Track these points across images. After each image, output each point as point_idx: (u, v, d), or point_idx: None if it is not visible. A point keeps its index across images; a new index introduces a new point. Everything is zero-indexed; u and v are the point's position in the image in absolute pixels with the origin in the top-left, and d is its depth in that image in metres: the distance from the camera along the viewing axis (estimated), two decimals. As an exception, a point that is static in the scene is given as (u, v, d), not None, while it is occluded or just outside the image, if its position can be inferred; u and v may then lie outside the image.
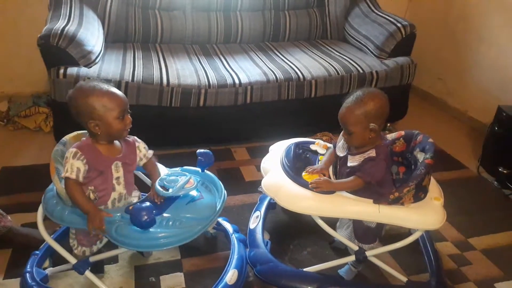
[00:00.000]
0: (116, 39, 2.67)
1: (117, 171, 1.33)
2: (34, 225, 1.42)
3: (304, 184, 1.40)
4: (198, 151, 1.53)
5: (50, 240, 1.38)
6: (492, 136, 2.41)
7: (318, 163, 1.55)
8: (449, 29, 3.17)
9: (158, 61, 2.44)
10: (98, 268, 1.54)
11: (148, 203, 1.23)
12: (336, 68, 2.56)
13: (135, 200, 1.43)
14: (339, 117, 1.42)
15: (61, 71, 2.10)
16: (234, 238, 1.60)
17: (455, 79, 3.18)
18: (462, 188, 2.28)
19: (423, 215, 1.34)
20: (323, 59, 2.68)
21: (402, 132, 1.56)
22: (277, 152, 1.61)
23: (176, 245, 1.27)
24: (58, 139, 2.22)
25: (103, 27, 2.59)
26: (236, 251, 1.52)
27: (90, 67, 2.21)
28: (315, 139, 1.74)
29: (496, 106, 2.41)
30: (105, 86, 1.29)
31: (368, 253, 1.45)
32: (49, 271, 1.49)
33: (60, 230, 1.55)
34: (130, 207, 1.24)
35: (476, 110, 3.00)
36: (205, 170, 1.55)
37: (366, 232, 1.48)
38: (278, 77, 2.42)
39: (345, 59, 2.69)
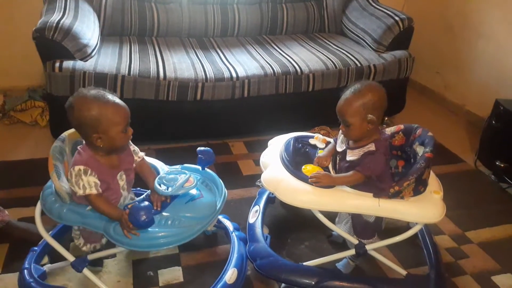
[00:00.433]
0: (112, 32, 2.64)
1: (122, 179, 1.34)
2: (31, 219, 1.41)
3: (303, 178, 1.40)
4: (198, 149, 1.52)
5: (48, 238, 1.37)
6: (489, 130, 2.41)
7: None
8: (447, 23, 3.16)
9: (155, 55, 2.42)
10: (96, 262, 1.53)
11: (146, 203, 1.22)
12: (334, 61, 2.55)
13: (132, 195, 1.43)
14: (337, 109, 1.42)
15: (57, 64, 2.08)
16: (234, 236, 1.59)
17: (453, 73, 3.18)
18: (459, 182, 2.29)
19: (423, 209, 1.34)
20: (321, 52, 2.67)
21: (401, 126, 1.56)
22: (276, 146, 1.60)
23: (175, 245, 1.26)
24: (54, 133, 2.26)
25: (99, 20, 2.56)
26: (236, 249, 1.51)
27: (86, 60, 2.19)
28: (313, 133, 1.74)
29: (493, 100, 2.41)
30: (110, 97, 1.24)
31: (368, 247, 1.45)
32: (47, 267, 1.48)
33: (59, 226, 1.54)
34: (129, 206, 1.23)
35: (474, 104, 3.00)
36: (206, 168, 1.54)
37: (365, 227, 1.48)
38: (275, 71, 2.41)
39: (342, 52, 2.68)
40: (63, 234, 1.54)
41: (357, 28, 2.92)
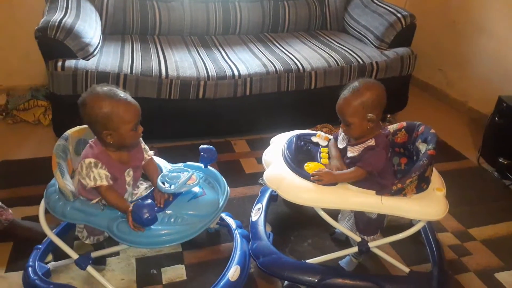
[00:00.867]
0: (114, 31, 2.64)
1: (129, 176, 1.36)
2: (34, 218, 1.41)
3: (306, 176, 1.40)
4: (201, 147, 1.52)
5: (52, 235, 1.38)
6: (492, 126, 2.41)
7: (319, 155, 1.54)
8: (450, 19, 3.15)
9: (157, 53, 2.42)
10: (99, 261, 1.54)
11: (150, 200, 1.23)
12: (336, 59, 2.54)
13: (142, 188, 1.44)
14: (337, 109, 1.41)
15: (59, 63, 2.08)
16: (237, 233, 1.59)
17: (455, 70, 3.17)
18: (462, 179, 2.28)
19: (426, 206, 1.34)
20: (323, 50, 2.67)
21: (404, 123, 1.56)
22: (278, 144, 1.60)
23: (178, 243, 1.26)
24: (57, 132, 2.26)
25: (101, 19, 2.56)
26: (239, 247, 1.52)
27: (89, 59, 2.19)
28: (315, 131, 1.74)
29: (496, 97, 2.40)
30: (122, 95, 1.26)
31: (370, 244, 1.45)
32: (51, 265, 1.49)
33: (62, 224, 1.55)
34: (132, 204, 1.24)
35: (476, 100, 3.00)
36: (208, 166, 1.54)
37: (367, 224, 1.48)
38: (277, 69, 2.41)
39: (345, 50, 2.68)
40: (67, 232, 1.55)
41: (359, 25, 2.92)
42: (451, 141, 2.63)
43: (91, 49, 2.22)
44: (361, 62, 2.57)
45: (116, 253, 1.61)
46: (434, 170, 1.44)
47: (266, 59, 2.50)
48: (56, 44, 2.08)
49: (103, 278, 1.39)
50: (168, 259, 1.63)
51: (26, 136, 2.46)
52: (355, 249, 1.48)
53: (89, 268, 1.37)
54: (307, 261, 1.51)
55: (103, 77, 2.13)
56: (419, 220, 1.40)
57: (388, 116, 2.84)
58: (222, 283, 1.36)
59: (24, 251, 1.55)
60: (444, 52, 3.25)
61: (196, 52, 2.53)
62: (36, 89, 2.73)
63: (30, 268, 1.42)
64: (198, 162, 1.55)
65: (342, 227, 1.50)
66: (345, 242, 1.70)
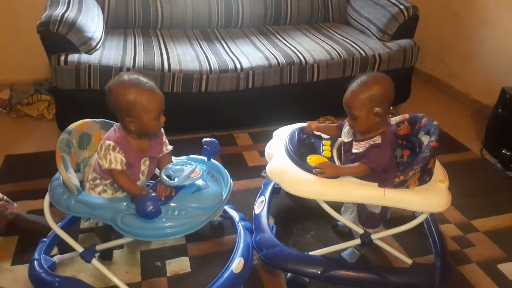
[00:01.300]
0: (116, 25, 2.64)
1: (144, 165, 1.38)
2: (39, 211, 1.43)
3: (308, 169, 1.40)
4: (204, 140, 1.53)
5: (57, 229, 1.39)
6: (495, 118, 2.40)
7: (322, 148, 1.54)
8: (453, 10, 3.13)
9: (159, 47, 2.42)
10: (106, 255, 1.56)
11: (154, 193, 1.24)
12: (339, 51, 2.54)
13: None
14: (344, 102, 1.40)
15: (62, 58, 2.09)
16: (240, 226, 1.60)
17: (458, 61, 3.15)
18: (465, 171, 2.28)
19: (429, 198, 1.34)
20: (325, 42, 2.66)
21: (407, 115, 1.56)
22: (281, 137, 1.61)
23: (182, 235, 1.27)
24: (61, 126, 2.27)
25: (103, 13, 2.56)
26: (242, 239, 1.52)
27: (91, 53, 2.19)
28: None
29: (499, 88, 2.39)
30: (147, 84, 1.30)
31: (373, 236, 1.46)
32: (56, 258, 1.51)
33: (67, 218, 1.56)
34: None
35: (479, 92, 2.98)
36: (211, 159, 1.54)
37: (370, 217, 1.48)
38: (280, 61, 2.40)
39: (347, 42, 2.67)
40: (72, 225, 1.57)
41: (362, 17, 2.90)
42: (454, 132, 2.63)
43: (94, 43, 2.22)
44: (363, 54, 2.56)
45: (121, 246, 1.63)
46: (437, 162, 1.44)
47: (268, 52, 2.49)
48: (59, 38, 2.08)
49: (108, 271, 1.40)
50: (172, 252, 1.65)
51: (30, 130, 2.47)
52: (357, 241, 1.49)
53: (94, 261, 1.38)
54: (310, 253, 1.52)
55: (106, 71, 2.13)
56: (422, 212, 1.41)
57: (391, 108, 2.83)
58: (226, 275, 1.37)
59: (29, 244, 1.57)
60: (447, 44, 3.23)
61: (198, 46, 2.52)
62: (39, 83, 2.74)
63: (35, 262, 1.43)
64: (201, 155, 1.55)
65: (345, 219, 1.50)
66: (347, 234, 1.70)
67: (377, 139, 1.38)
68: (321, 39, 2.71)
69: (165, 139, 1.46)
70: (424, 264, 1.55)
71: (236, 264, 1.41)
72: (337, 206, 1.53)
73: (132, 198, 1.28)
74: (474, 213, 1.97)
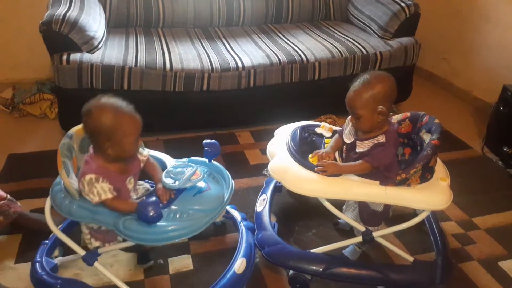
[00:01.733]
0: (118, 24, 2.65)
1: (130, 183, 1.36)
2: (42, 210, 1.42)
3: (310, 167, 1.40)
4: (204, 141, 1.52)
5: (58, 233, 1.38)
6: (496, 115, 2.40)
7: (324, 146, 1.55)
8: (454, 7, 3.12)
9: (161, 46, 2.43)
10: (144, 259, 1.57)
11: (154, 198, 1.22)
12: (340, 49, 2.54)
13: (141, 188, 1.45)
14: (347, 102, 1.40)
15: (64, 57, 2.10)
16: (242, 226, 1.60)
17: (460, 59, 3.15)
18: (466, 168, 2.28)
19: (430, 196, 1.34)
20: (327, 40, 2.66)
21: (408, 114, 1.56)
22: (282, 135, 1.61)
23: (185, 238, 1.27)
24: (63, 125, 2.28)
25: (105, 12, 2.57)
26: (244, 239, 1.52)
27: (93, 52, 2.20)
28: (319, 122, 1.74)
29: (501, 86, 2.39)
30: (126, 108, 1.26)
31: (374, 234, 1.46)
32: (58, 260, 1.51)
33: (69, 219, 1.55)
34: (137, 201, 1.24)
35: (481, 89, 2.98)
36: (212, 161, 1.55)
37: (372, 215, 1.49)
38: (281, 60, 2.41)
39: (348, 40, 2.67)
40: (73, 227, 1.56)
41: (363, 15, 2.90)
42: (455, 130, 2.63)
43: (96, 43, 2.23)
44: (365, 52, 2.56)
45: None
46: (438, 160, 1.44)
47: (270, 50, 2.50)
48: (61, 37, 2.09)
49: (110, 274, 1.40)
50: (175, 250, 1.65)
51: (33, 129, 2.48)
52: (359, 238, 1.49)
53: (97, 264, 1.37)
54: (311, 250, 1.52)
55: (108, 70, 2.14)
56: (423, 210, 1.41)
57: (393, 106, 2.83)
58: (228, 275, 1.37)
59: (32, 242, 1.58)
60: (448, 41, 3.23)
61: (200, 44, 2.53)
62: (42, 82, 2.75)
63: (37, 264, 1.43)
64: (202, 155, 1.56)
65: (346, 217, 1.51)
66: (349, 232, 1.71)
67: (381, 138, 1.37)
68: (322, 37, 2.72)
69: (140, 150, 1.42)
70: (426, 261, 1.55)
71: (239, 264, 1.41)
72: (339, 204, 1.54)
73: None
74: (475, 210, 1.97)
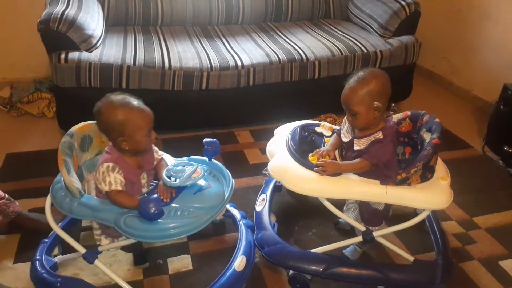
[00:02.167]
0: (116, 22, 2.64)
1: (144, 178, 1.40)
2: (41, 210, 1.43)
3: (310, 166, 1.40)
4: (204, 140, 1.52)
5: (59, 231, 1.38)
6: (497, 114, 2.39)
7: (324, 145, 1.54)
8: (454, 6, 3.11)
9: (159, 44, 2.41)
10: (140, 260, 1.57)
11: (156, 195, 1.23)
12: (340, 48, 2.53)
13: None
14: (342, 99, 1.40)
15: (62, 56, 2.09)
16: (242, 224, 1.60)
17: (460, 58, 3.14)
18: (466, 168, 2.28)
19: (430, 195, 1.34)
20: (326, 39, 2.65)
21: (408, 113, 1.55)
22: (282, 135, 1.60)
23: (185, 235, 1.27)
24: (62, 124, 2.27)
25: (103, 10, 2.56)
26: (244, 237, 1.53)
27: (91, 51, 2.19)
28: (319, 121, 1.73)
29: (501, 85, 2.38)
30: (135, 103, 1.31)
31: (375, 234, 1.46)
32: (58, 259, 1.50)
33: (68, 217, 1.55)
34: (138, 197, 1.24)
35: (481, 88, 2.97)
36: (212, 159, 1.54)
37: (372, 215, 1.48)
38: (281, 58, 2.40)
39: (348, 38, 2.66)
40: (74, 225, 1.57)
41: (363, 13, 2.89)
42: (455, 129, 2.62)
43: (94, 41, 2.22)
44: (365, 51, 2.55)
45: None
46: (439, 159, 1.43)
47: (269, 49, 2.49)
48: (59, 36, 2.08)
49: (110, 270, 1.40)
50: (174, 250, 1.65)
51: (31, 128, 2.47)
52: (359, 238, 1.48)
53: (97, 262, 1.37)
54: (311, 250, 1.52)
55: (106, 69, 2.13)
56: (424, 209, 1.40)
57: (393, 105, 2.82)
58: (228, 273, 1.37)
59: (31, 242, 1.57)
60: (448, 40, 3.22)
61: (199, 43, 2.52)
62: (40, 81, 2.74)
63: (37, 262, 1.43)
64: (202, 154, 1.55)
65: (347, 217, 1.50)
66: (349, 232, 1.70)
67: (379, 135, 1.37)
68: (322, 36, 2.70)
69: (154, 147, 1.46)
70: (426, 261, 1.55)
71: (239, 262, 1.41)
72: (339, 204, 1.53)
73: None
74: (476, 210, 1.96)
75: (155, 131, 1.37)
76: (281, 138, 1.59)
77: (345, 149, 1.50)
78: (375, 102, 1.34)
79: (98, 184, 1.30)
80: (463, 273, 1.63)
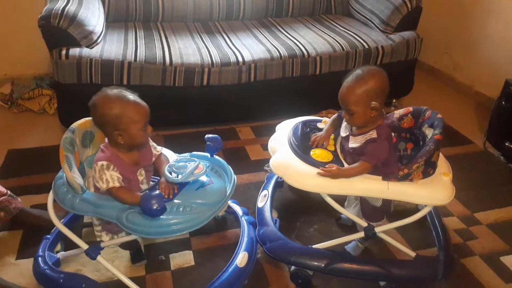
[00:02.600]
0: (117, 18, 2.63)
1: (141, 175, 1.39)
2: (43, 206, 1.43)
3: (312, 162, 1.40)
4: (206, 136, 1.52)
5: (61, 226, 1.38)
6: (498, 110, 2.39)
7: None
8: (456, 1, 3.10)
9: (160, 40, 2.41)
10: (138, 257, 1.57)
11: (158, 191, 1.23)
12: (341, 43, 2.52)
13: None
14: (340, 98, 1.39)
15: (63, 52, 2.08)
16: (243, 220, 1.60)
17: (462, 53, 3.13)
18: (468, 163, 2.28)
19: (432, 191, 1.34)
20: (328, 34, 2.64)
21: (410, 108, 1.54)
22: (284, 131, 1.60)
23: (188, 231, 1.27)
24: (63, 120, 2.27)
25: (104, 6, 2.55)
26: (246, 233, 1.53)
27: (92, 47, 2.18)
28: (321, 116, 1.73)
29: (503, 80, 2.38)
30: (131, 97, 1.30)
31: (376, 229, 1.46)
32: (60, 255, 1.51)
33: (71, 214, 1.55)
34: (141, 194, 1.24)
35: (483, 84, 2.96)
36: (214, 155, 1.54)
37: (374, 210, 1.48)
38: (282, 54, 2.39)
39: (350, 34, 2.65)
40: (76, 221, 1.57)
41: (364, 9, 2.88)
42: (457, 125, 2.62)
43: (95, 37, 2.21)
44: (366, 46, 2.54)
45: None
46: (441, 155, 1.43)
47: (270, 44, 2.48)
48: (60, 32, 2.07)
49: (112, 266, 1.40)
50: (176, 245, 1.65)
51: (32, 125, 2.47)
52: (361, 234, 1.49)
53: (99, 258, 1.37)
54: (313, 246, 1.52)
55: (107, 65, 2.13)
56: (426, 205, 1.41)
57: (394, 101, 2.83)
58: (230, 269, 1.38)
59: (33, 238, 1.58)
60: (450, 36, 3.21)
61: (200, 39, 2.51)
62: (41, 77, 2.74)
63: (40, 258, 1.43)
64: (203, 150, 1.55)
65: (348, 213, 1.50)
66: (351, 227, 1.71)
67: (373, 134, 1.36)
68: (323, 32, 2.70)
69: (151, 143, 1.45)
70: (428, 256, 1.55)
71: (241, 258, 1.41)
72: (341, 199, 1.53)
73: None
74: (477, 206, 1.96)
75: (156, 127, 1.36)
76: (282, 134, 1.58)
77: (343, 142, 1.50)
78: (373, 102, 1.33)
79: (96, 183, 1.29)
80: (465, 268, 1.63)
